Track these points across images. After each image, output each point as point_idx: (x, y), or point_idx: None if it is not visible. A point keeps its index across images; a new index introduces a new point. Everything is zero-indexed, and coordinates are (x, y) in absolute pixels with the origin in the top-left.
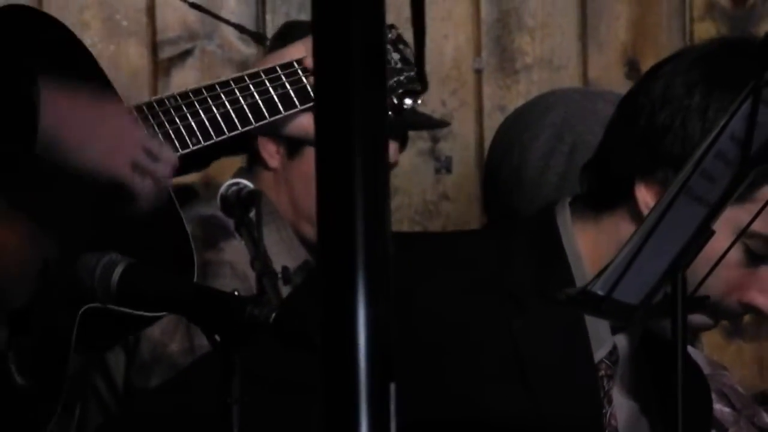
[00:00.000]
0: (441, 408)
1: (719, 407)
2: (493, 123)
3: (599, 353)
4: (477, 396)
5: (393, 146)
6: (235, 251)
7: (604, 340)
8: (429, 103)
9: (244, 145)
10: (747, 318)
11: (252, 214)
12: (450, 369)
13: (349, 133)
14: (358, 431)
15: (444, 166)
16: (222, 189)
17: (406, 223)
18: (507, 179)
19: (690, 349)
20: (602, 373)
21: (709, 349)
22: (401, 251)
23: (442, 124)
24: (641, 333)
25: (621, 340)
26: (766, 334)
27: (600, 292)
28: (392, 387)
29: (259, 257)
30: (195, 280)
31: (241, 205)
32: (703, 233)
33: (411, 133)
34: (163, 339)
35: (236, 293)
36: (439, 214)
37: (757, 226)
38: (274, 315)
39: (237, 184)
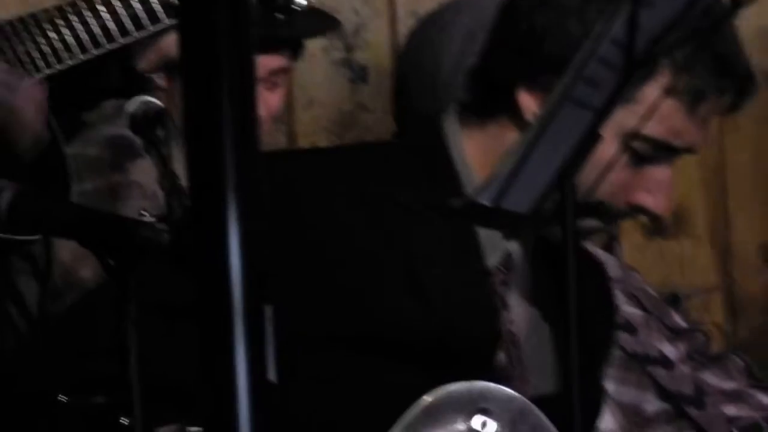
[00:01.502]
0: (336, 322)
1: (629, 309)
2: (407, 31)
3: (492, 259)
4: (370, 309)
5: (278, 59)
6: (144, 171)
7: (497, 246)
8: (341, 13)
9: (133, 82)
10: (667, 216)
11: (160, 132)
12: (343, 283)
13: (214, 53)
14: (232, 354)
15: (359, 76)
16: (129, 107)
17: (323, 134)
18: (420, 83)
19: (597, 251)
20: (496, 280)
21: (630, 249)
22: (293, 167)
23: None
24: (536, 239)
25: (515, 246)
26: (687, 232)
27: (487, 203)
28: (268, 309)
29: (167, 175)
30: (103, 201)
31: (149, 123)
32: (591, 138)
33: (325, 43)
34: (75, 265)
35: (142, 213)
36: (356, 124)
37: (641, 128)
38: (166, 237)
39: (145, 102)
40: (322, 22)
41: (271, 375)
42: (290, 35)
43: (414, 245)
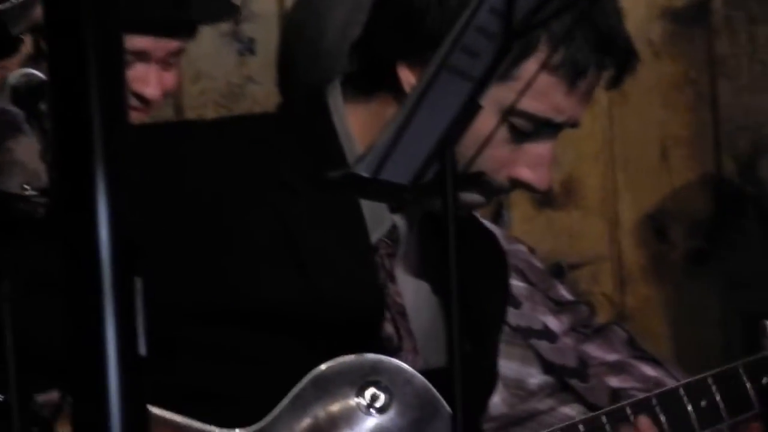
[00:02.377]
0: (217, 295)
1: (514, 282)
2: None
3: (377, 232)
4: (252, 283)
5: (176, 42)
6: (26, 149)
7: (383, 219)
8: None
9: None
10: (556, 188)
11: (42, 105)
12: (225, 256)
13: (80, 26)
14: (102, 327)
15: (247, 47)
16: (11, 79)
17: (211, 107)
18: (303, 53)
19: (486, 223)
20: (382, 251)
21: (519, 221)
22: (176, 139)
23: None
24: (424, 212)
25: (400, 219)
26: (576, 203)
27: (365, 174)
28: (138, 281)
29: (50, 149)
30: None
31: (32, 95)
32: (470, 108)
33: None
34: None
35: (24, 187)
36: (244, 96)
37: (521, 104)
38: (42, 210)
39: (27, 74)
40: (221, 7)
41: (141, 348)
42: (189, 19)
43: (295, 219)
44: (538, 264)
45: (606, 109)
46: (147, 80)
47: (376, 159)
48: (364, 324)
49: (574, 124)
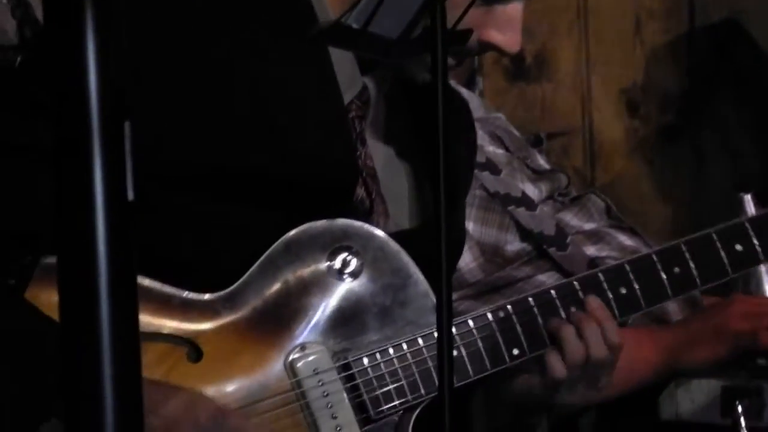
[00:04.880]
0: (188, 156)
1: (492, 149)
2: None
3: (349, 94)
4: (223, 143)
5: None
6: None
7: (353, 80)
8: None
9: None
10: (528, 59)
11: None
12: (196, 116)
13: None
14: (91, 166)
15: None
16: None
17: None
18: None
19: (461, 89)
20: (353, 114)
21: (491, 93)
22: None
23: None
24: (392, 77)
25: (371, 81)
26: (549, 76)
27: (355, 25)
28: (127, 125)
29: (20, 5)
30: None
31: None
32: None
33: None
34: None
35: None
36: None
37: None
38: (19, 59)
39: None
40: None
41: (129, 193)
42: None
43: (266, 81)
44: (516, 132)
45: None
46: None
47: (367, 10)
48: (338, 186)
49: None
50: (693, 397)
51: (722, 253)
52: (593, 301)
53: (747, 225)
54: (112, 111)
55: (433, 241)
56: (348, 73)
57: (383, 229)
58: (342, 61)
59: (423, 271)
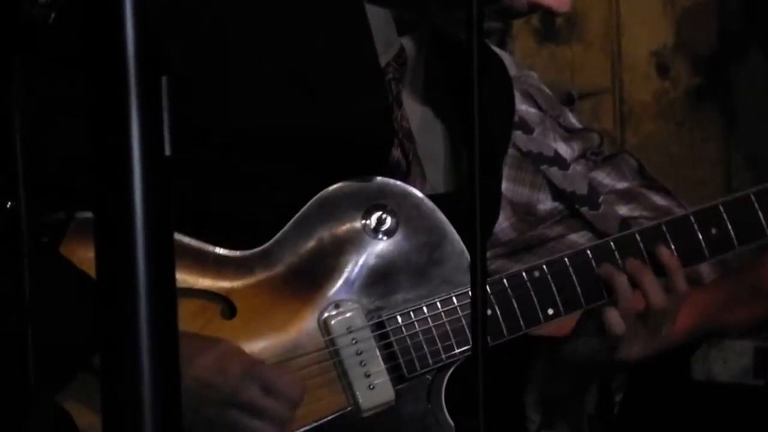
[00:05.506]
0: (224, 116)
1: (525, 108)
2: None
3: (386, 56)
4: (259, 105)
5: None
6: None
7: (391, 41)
8: None
9: None
10: (559, 21)
11: None
12: (234, 76)
13: None
14: (128, 126)
15: None
16: None
17: None
18: None
19: (496, 50)
20: (390, 75)
21: (521, 54)
22: None
23: None
24: (430, 36)
25: (408, 42)
26: (579, 37)
27: None
28: (164, 79)
29: None
30: None
31: None
32: None
33: None
34: None
35: None
36: None
37: None
38: (53, 15)
39: None
40: None
41: (167, 148)
42: None
43: (301, 40)
44: (548, 91)
45: None
46: None
47: None
48: (374, 149)
49: None
50: (726, 357)
51: (760, 214)
52: (664, 251)
53: None
54: (149, 65)
55: (468, 203)
56: (385, 34)
57: (420, 191)
58: (379, 23)
59: (459, 233)
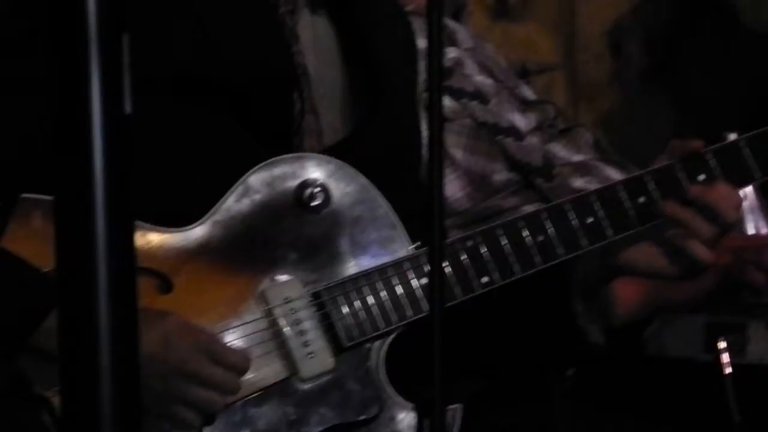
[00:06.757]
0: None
1: (481, 78)
2: None
3: None
4: (158, 48)
5: None
6: None
7: None
8: None
9: None
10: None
11: None
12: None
13: None
14: (88, 84)
15: None
16: None
17: None
18: None
19: (452, 22)
20: (282, 9)
21: (475, 31)
22: None
23: None
24: None
25: None
26: (533, 16)
27: None
28: (125, 38)
29: None
30: None
31: None
32: None
33: None
34: None
35: None
36: None
37: None
38: None
39: None
40: None
41: (127, 106)
42: None
43: None
44: (504, 63)
45: None
46: None
47: None
48: (276, 87)
49: None
50: (677, 332)
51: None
52: (722, 185)
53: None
54: (110, 23)
55: (371, 143)
56: None
57: (316, 134)
58: None
59: (368, 176)
